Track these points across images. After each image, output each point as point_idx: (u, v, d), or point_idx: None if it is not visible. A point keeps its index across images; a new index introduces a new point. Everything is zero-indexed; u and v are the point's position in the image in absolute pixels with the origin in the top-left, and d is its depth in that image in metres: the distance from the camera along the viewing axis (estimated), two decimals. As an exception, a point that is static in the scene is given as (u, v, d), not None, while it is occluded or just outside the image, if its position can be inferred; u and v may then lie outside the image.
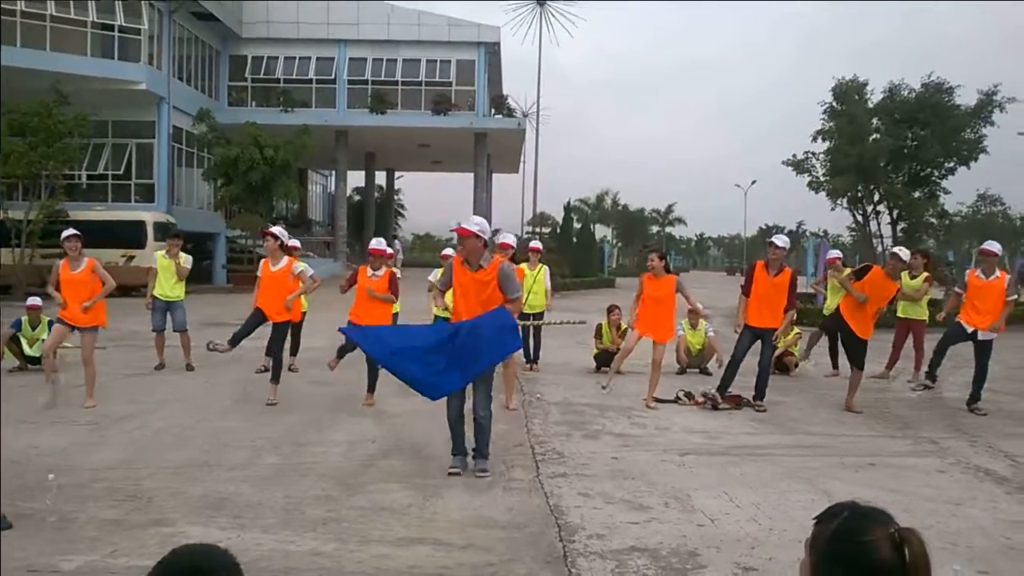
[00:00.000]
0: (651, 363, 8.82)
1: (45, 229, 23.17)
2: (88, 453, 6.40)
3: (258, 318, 8.65)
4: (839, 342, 11.42)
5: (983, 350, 8.89)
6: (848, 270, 11.58)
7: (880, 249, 28.79)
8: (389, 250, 9.02)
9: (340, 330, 7.04)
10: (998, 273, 8.96)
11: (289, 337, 9.73)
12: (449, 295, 6.72)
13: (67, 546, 4.40)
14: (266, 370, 8.86)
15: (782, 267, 8.74)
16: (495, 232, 11.78)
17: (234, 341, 8.59)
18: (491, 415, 6.22)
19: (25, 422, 7.43)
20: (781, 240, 8.92)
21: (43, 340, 10.58)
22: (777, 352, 10.44)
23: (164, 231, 16.04)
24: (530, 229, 39.17)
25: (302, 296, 9.60)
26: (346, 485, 5.64)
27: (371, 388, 8.66)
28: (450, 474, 5.96)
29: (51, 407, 8.08)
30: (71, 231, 8.51)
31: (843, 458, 6.66)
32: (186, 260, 11.19)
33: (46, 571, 4.11)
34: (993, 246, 9.19)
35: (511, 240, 10.12)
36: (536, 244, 11.21)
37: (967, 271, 9.25)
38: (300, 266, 8.87)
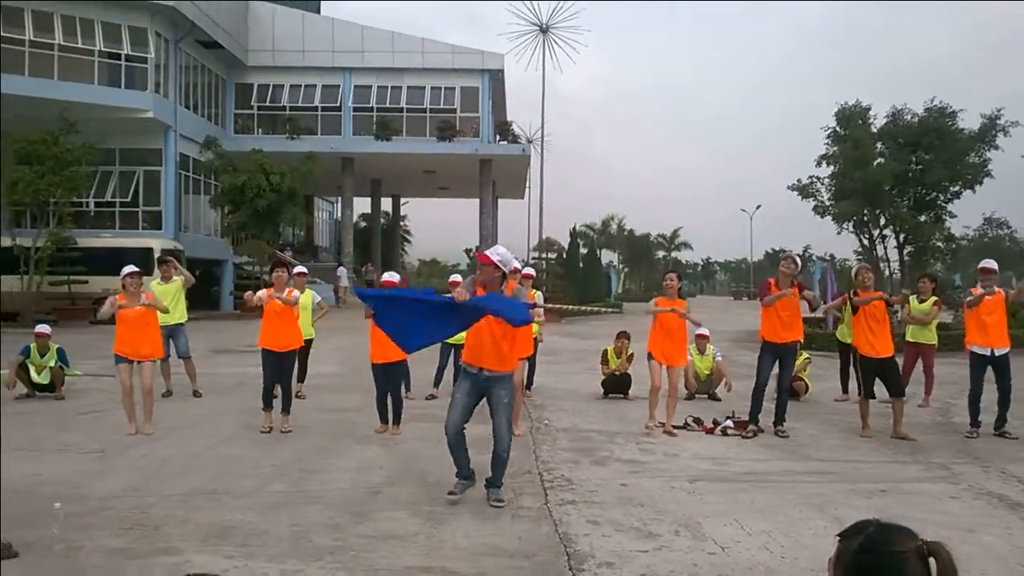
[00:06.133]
0: (669, 389, 8.78)
1: (53, 256, 23.34)
2: (95, 481, 6.38)
3: (273, 366, 8.54)
4: (852, 365, 11.36)
5: (1002, 368, 8.84)
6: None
7: (887, 273, 28.74)
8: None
9: (355, 291, 8.07)
10: (996, 289, 9.01)
11: (296, 364, 9.70)
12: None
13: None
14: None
15: (793, 283, 8.74)
16: (524, 265, 11.48)
17: (268, 399, 8.53)
18: (510, 448, 6.10)
19: (30, 450, 7.42)
20: (796, 256, 9.01)
21: (51, 367, 10.61)
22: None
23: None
24: (536, 255, 39.13)
25: (310, 323, 9.59)
26: (353, 513, 5.60)
27: (383, 418, 8.53)
28: (449, 501, 5.83)
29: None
30: (132, 268, 8.46)
31: (855, 484, 6.59)
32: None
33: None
34: (992, 263, 9.24)
35: (531, 272, 10.19)
36: (530, 271, 10.83)
37: (971, 290, 9.25)
38: (297, 295, 8.87)
